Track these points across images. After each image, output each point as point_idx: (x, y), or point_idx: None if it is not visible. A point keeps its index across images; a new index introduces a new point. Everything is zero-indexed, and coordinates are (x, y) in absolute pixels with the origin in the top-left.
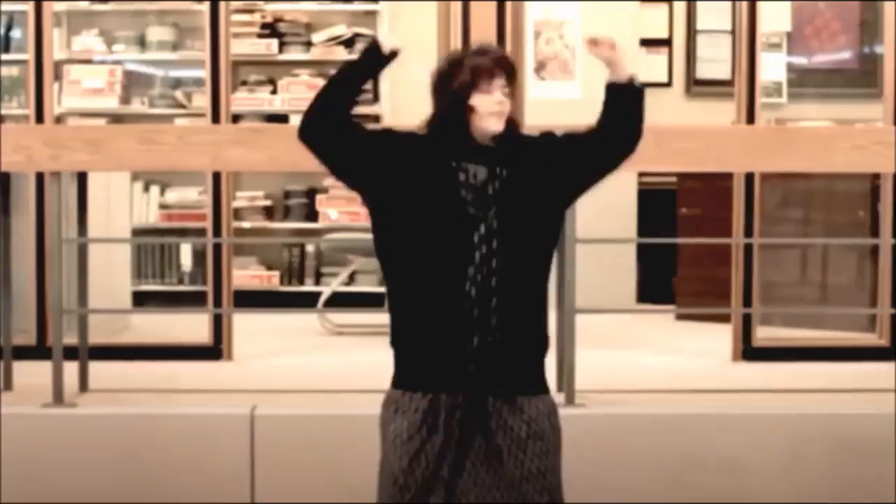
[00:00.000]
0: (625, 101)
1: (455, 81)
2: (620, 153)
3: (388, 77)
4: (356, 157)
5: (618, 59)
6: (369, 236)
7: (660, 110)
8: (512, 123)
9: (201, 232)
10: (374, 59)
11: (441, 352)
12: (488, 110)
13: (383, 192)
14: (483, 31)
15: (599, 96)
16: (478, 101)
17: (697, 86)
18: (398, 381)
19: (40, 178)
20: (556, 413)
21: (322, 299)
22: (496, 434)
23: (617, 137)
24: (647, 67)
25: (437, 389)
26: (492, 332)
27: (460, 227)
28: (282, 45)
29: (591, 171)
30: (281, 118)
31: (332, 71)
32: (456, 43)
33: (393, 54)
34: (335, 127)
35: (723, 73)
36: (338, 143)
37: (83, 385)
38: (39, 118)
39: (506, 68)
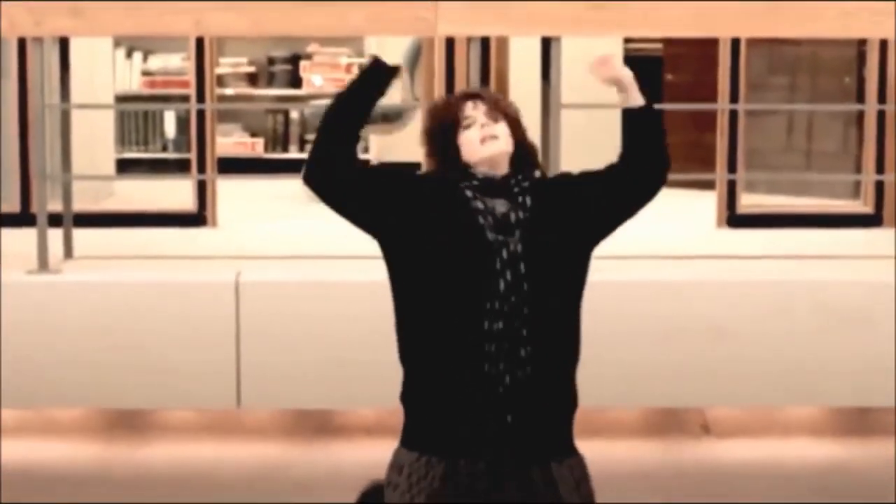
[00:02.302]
0: (643, 127)
1: (435, 126)
2: (647, 188)
3: None
4: (367, 196)
5: (627, 80)
6: None
7: None
8: (525, 154)
9: (185, 99)
10: (376, 76)
11: (459, 408)
12: (474, 142)
13: (396, 231)
14: None
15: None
16: (462, 138)
17: None
18: (408, 442)
19: (22, 44)
20: (587, 474)
21: None
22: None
23: (641, 170)
24: None
25: (454, 455)
26: (520, 384)
27: (480, 254)
28: None
29: (617, 209)
30: None
31: None
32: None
33: (394, 70)
34: (343, 166)
35: None
36: (347, 185)
37: (68, 252)
38: None
39: (485, 97)
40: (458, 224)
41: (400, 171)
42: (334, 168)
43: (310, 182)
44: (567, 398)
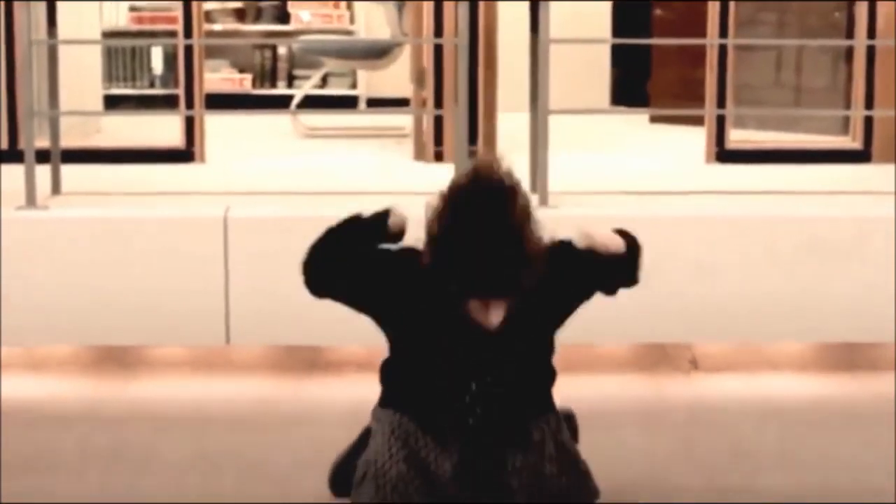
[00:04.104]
0: (627, 262)
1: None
2: (620, 287)
3: None
4: (365, 292)
5: (606, 244)
6: (342, 38)
7: None
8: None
9: (172, 34)
10: (380, 228)
11: (435, 416)
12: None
13: (387, 314)
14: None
15: None
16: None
17: None
18: (388, 404)
19: None
20: (564, 431)
21: (294, 102)
22: (508, 477)
23: (619, 281)
24: None
25: (434, 434)
26: (489, 399)
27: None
28: None
29: (589, 294)
30: None
31: None
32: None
33: (399, 234)
34: (339, 274)
35: None
36: (346, 285)
37: (56, 188)
38: None
39: (505, 282)
40: (440, 323)
41: (391, 262)
42: (330, 275)
43: (313, 290)
44: (541, 389)
